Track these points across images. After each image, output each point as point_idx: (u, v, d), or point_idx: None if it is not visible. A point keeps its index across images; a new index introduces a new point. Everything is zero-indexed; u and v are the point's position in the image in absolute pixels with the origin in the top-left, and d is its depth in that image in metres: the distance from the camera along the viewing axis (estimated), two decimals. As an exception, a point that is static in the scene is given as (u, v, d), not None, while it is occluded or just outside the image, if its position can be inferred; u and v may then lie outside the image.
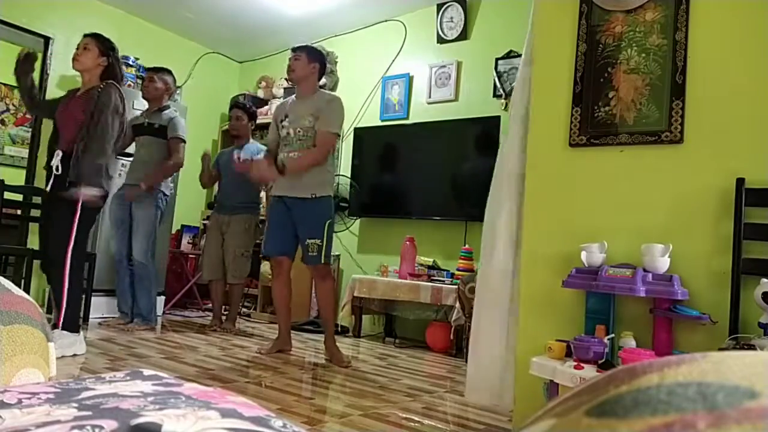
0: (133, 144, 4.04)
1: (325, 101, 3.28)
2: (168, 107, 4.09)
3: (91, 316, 4.04)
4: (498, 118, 4.18)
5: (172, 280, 5.14)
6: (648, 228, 1.92)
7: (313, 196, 3.22)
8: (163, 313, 4.75)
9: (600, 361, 1.73)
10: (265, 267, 4.82)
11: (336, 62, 5.34)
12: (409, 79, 4.90)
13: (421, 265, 4.31)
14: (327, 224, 3.23)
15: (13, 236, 4.37)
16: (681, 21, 1.93)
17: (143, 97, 4.12)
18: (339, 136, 3.34)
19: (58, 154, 3.03)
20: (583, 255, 1.92)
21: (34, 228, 4.48)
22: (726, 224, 1.81)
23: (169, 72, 4.17)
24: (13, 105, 6.16)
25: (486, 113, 4.30)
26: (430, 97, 4.75)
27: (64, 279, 2.94)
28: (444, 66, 4.68)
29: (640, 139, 1.96)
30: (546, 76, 2.18)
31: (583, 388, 0.36)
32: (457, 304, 3.66)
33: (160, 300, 4.58)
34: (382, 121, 5.00)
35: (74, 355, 2.91)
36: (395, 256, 4.44)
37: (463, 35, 4.60)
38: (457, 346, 3.89)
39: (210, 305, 4.60)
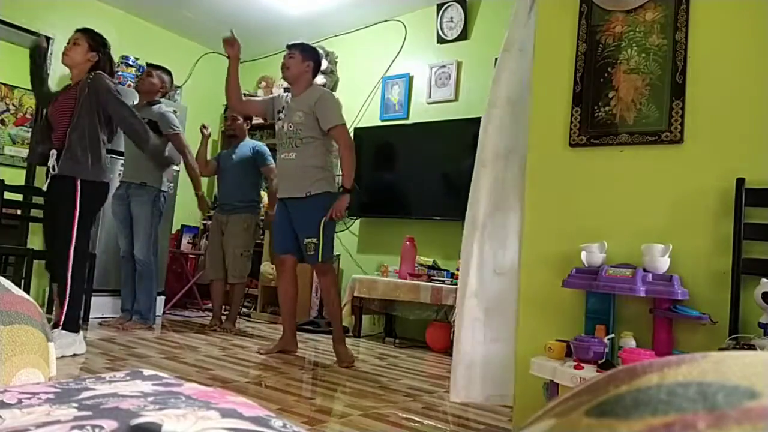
0: (124, 141, 3.95)
1: (314, 99, 3.26)
2: (158, 102, 4.05)
3: (91, 316, 4.04)
4: (498, 118, 4.17)
5: (172, 280, 5.14)
6: (648, 228, 1.92)
7: (308, 194, 3.23)
8: (163, 312, 4.75)
9: (600, 361, 1.73)
10: (266, 267, 4.82)
11: (336, 62, 5.34)
12: (409, 79, 4.90)
13: (421, 265, 4.31)
14: (322, 222, 3.22)
15: (13, 236, 4.37)
16: (681, 21, 1.93)
17: (136, 89, 4.11)
18: (345, 124, 3.33)
19: (53, 154, 3.04)
20: (583, 255, 1.92)
21: (33, 228, 4.48)
22: (726, 224, 1.81)
23: (168, 72, 4.17)
24: (13, 105, 6.17)
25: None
26: (430, 97, 4.75)
27: (67, 277, 2.95)
28: (444, 66, 4.68)
29: (640, 139, 1.96)
30: (546, 76, 2.18)
31: (583, 388, 0.36)
32: (457, 304, 3.66)
33: (160, 300, 4.58)
34: (382, 121, 5.00)
35: (74, 355, 2.91)
36: (395, 256, 4.44)
37: (463, 35, 4.60)
38: (457, 346, 3.89)
39: (210, 305, 4.60)
